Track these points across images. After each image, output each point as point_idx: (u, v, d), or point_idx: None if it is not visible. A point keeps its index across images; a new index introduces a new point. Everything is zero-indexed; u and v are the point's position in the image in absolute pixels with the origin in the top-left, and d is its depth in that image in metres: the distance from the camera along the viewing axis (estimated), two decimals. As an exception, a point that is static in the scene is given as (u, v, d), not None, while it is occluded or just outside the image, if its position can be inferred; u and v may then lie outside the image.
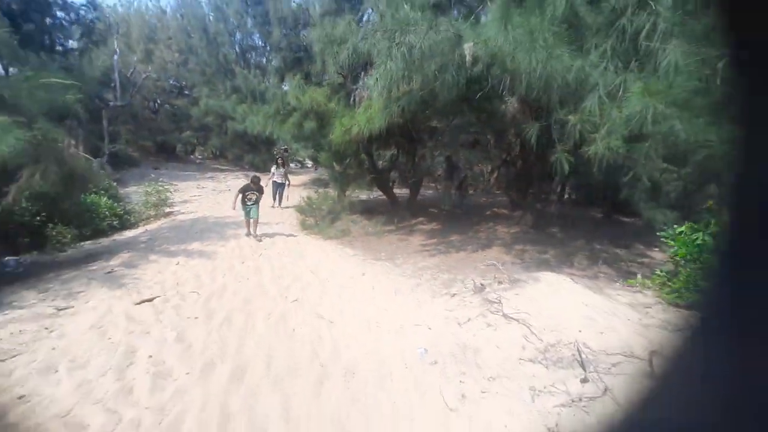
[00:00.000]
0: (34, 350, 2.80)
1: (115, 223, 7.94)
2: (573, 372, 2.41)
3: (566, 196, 11.12)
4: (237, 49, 16.33)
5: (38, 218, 6.48)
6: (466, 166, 15.50)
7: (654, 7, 3.63)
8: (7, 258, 6.29)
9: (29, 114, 4.32)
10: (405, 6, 4.76)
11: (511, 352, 2.75)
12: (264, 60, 16.71)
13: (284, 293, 4.24)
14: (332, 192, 9.18)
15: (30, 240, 6.77)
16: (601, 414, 2.01)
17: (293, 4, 8.70)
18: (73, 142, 5.04)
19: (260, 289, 4.34)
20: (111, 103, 12.74)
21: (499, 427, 2.08)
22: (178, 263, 5.13)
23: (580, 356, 2.48)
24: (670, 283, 3.43)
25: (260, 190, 7.04)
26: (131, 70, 14.65)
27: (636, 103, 3.28)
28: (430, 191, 12.58)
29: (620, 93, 3.78)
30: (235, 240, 6.58)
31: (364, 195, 11.06)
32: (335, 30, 6.61)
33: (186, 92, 19.45)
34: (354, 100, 7.07)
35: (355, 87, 7.15)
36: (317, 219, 8.11)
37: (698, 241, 3.45)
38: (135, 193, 10.60)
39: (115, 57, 12.65)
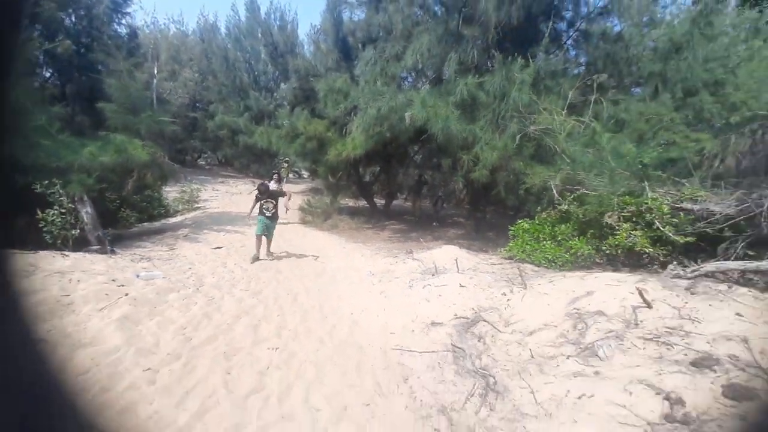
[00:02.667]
0: (176, 259, 6.00)
1: (162, 211, 11.12)
2: (431, 274, 5.64)
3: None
4: (250, 73, 19.90)
5: (114, 204, 9.68)
6: (441, 183, 18.97)
7: (507, 98, 7.04)
8: (95, 230, 9.45)
9: (146, 137, 7.60)
10: (377, 82, 8.19)
11: (408, 270, 6.00)
12: (273, 83, 20.31)
13: (296, 252, 7.47)
14: (326, 198, 12.44)
15: (103, 219, 9.97)
16: (432, 278, 5.24)
17: (306, 61, 12.23)
18: (162, 153, 8.19)
19: (280, 249, 7.57)
20: (146, 117, 16.12)
21: (393, 289, 5.29)
22: (224, 234, 8.34)
23: (436, 268, 5.73)
24: (505, 249, 6.71)
25: (274, 195, 6.95)
26: (162, 89, 18.09)
27: (486, 152, 6.64)
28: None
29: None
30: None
31: (351, 202, 14.38)
32: (335, 83, 10.02)
33: (198, 105, 22.93)
34: (345, 131, 10.43)
35: (346, 122, 10.52)
36: (314, 216, 11.34)
37: (524, 227, 6.73)
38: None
39: (155, 80, 16.08)
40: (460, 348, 3.46)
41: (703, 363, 2.52)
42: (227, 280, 5.08)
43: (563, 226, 6.04)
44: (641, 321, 3.19)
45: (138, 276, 4.28)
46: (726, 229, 4.46)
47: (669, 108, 7.95)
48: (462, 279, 5.14)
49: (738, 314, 2.94)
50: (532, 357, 3.19)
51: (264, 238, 6.76)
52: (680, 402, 2.25)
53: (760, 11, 4.65)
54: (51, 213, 5.08)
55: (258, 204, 6.84)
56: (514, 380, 2.89)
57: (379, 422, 2.40)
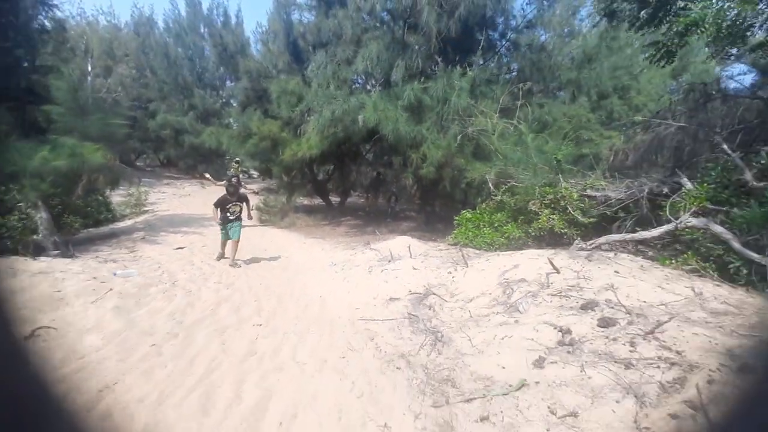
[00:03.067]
0: (142, 260, 6.24)
1: (109, 216, 10.89)
2: (388, 261, 6.40)
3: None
4: (194, 70, 19.43)
5: (56, 210, 9.43)
6: (393, 180, 19.83)
7: (448, 102, 7.97)
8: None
9: (98, 140, 7.63)
10: (330, 86, 8.79)
11: (367, 259, 6.73)
12: (218, 81, 20.01)
13: (257, 250, 7.91)
14: (281, 197, 12.79)
15: (46, 226, 9.65)
16: (389, 264, 5.99)
17: (257, 63, 12.48)
18: (113, 156, 8.19)
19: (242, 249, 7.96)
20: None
21: (355, 275, 5.99)
22: (182, 236, 8.54)
23: (392, 256, 6.50)
24: (451, 237, 7.66)
25: (242, 199, 6.58)
26: (97, 87, 17.18)
27: (432, 151, 7.53)
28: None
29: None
30: (214, 227, 9.98)
31: (306, 200, 14.83)
32: (288, 85, 10.46)
33: (136, 103, 21.92)
34: (300, 132, 10.90)
35: (300, 122, 10.98)
36: (271, 215, 11.70)
37: (467, 216, 7.71)
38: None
39: (89, 78, 15.31)
40: (414, 315, 4.25)
41: (588, 306, 3.50)
42: (199, 276, 5.48)
43: (499, 214, 7.08)
44: (551, 283, 4.17)
45: (115, 274, 4.60)
46: (620, 210, 5.66)
47: (586, 110, 9.37)
48: (414, 263, 5.96)
49: (616, 272, 4.00)
50: (471, 317, 4.06)
51: (231, 242, 6.42)
52: (569, 332, 3.19)
53: (642, 34, 5.91)
54: (12, 218, 5.17)
55: (220, 212, 6.36)
56: (457, 333, 3.72)
57: (354, 367, 3.10)
